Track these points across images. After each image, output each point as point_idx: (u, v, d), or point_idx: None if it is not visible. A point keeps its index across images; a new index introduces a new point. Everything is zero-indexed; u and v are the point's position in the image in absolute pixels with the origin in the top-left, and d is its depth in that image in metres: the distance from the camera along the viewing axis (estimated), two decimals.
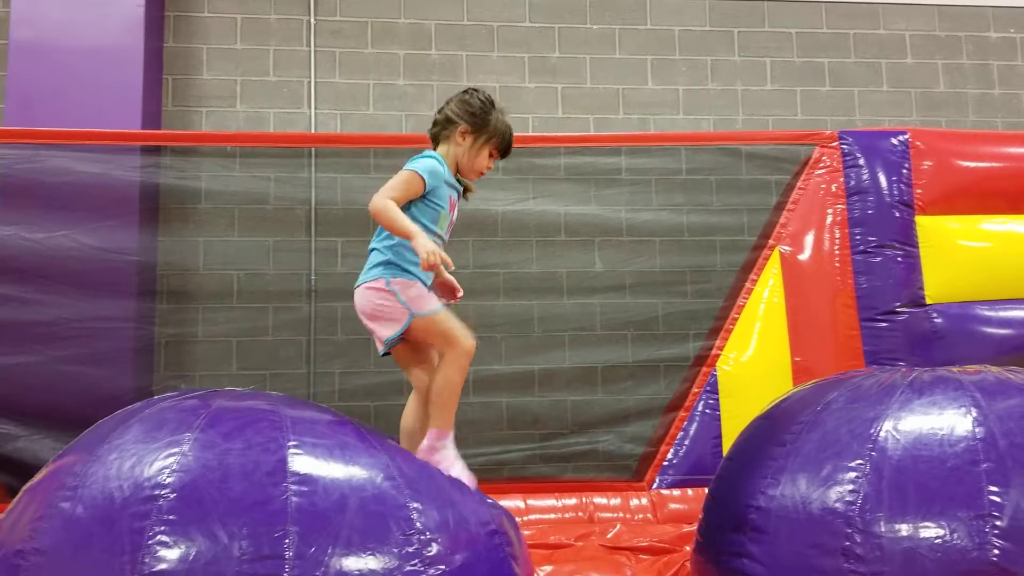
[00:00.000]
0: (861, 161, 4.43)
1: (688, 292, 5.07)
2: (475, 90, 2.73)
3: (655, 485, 4.21)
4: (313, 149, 4.90)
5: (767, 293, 4.39)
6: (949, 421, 2.12)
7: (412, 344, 2.64)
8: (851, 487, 2.07)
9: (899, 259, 4.34)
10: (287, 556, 1.72)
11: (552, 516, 4.06)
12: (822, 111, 5.53)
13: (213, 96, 5.08)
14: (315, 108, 5.15)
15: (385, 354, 2.65)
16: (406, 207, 2.58)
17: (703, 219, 5.09)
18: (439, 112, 2.74)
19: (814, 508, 2.11)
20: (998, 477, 1.98)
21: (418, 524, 1.87)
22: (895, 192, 4.39)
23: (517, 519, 3.99)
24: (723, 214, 5.09)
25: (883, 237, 4.35)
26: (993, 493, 1.97)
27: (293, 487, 1.82)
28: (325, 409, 2.30)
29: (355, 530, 1.79)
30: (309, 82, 5.14)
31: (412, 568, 1.80)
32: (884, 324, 4.30)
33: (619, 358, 4.95)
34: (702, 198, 5.11)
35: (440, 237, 2.70)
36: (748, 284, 4.42)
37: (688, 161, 5.08)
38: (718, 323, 4.47)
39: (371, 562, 1.77)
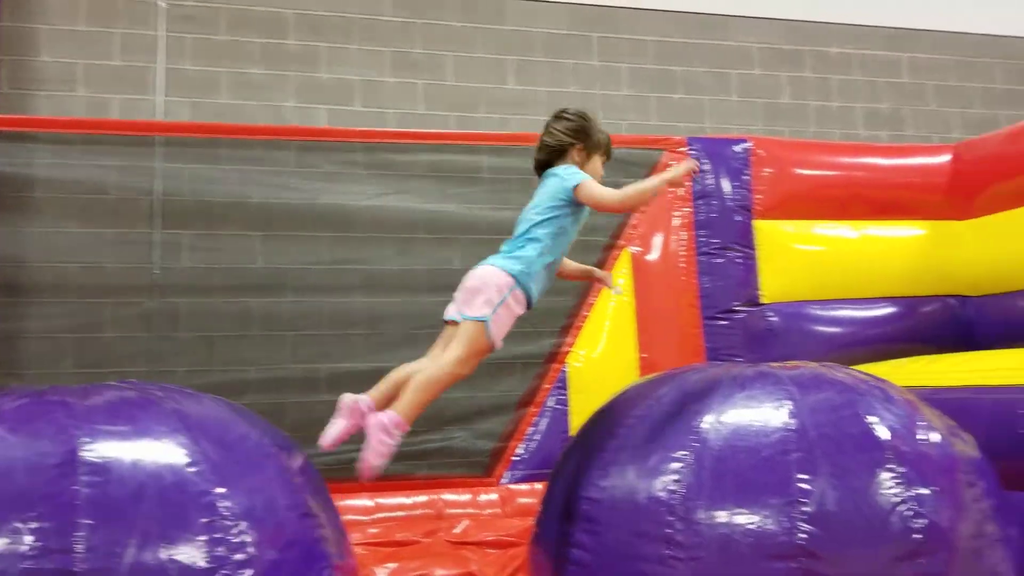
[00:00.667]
0: (707, 166, 4.61)
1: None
2: (567, 111, 2.86)
3: (504, 480, 4.26)
4: (161, 138, 4.70)
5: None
6: (766, 413, 2.23)
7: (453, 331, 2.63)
8: (674, 477, 2.15)
9: (739, 260, 4.55)
10: (78, 549, 1.68)
11: (401, 514, 4.05)
12: (675, 117, 5.73)
13: (52, 79, 4.82)
14: (164, 95, 4.96)
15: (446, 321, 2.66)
16: (558, 216, 2.67)
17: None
18: (546, 139, 2.83)
19: (640, 498, 2.18)
20: (807, 465, 2.10)
21: (222, 510, 1.84)
22: (736, 197, 4.60)
23: (366, 518, 3.99)
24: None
25: (725, 240, 4.55)
26: (802, 481, 2.08)
27: (84, 478, 1.77)
28: (151, 393, 2.19)
29: (153, 520, 1.75)
30: (157, 68, 4.95)
31: (217, 555, 1.78)
32: (724, 322, 4.50)
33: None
34: None
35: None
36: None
37: None
38: (569, 320, 4.56)
39: (171, 552, 1.74)
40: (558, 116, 2.85)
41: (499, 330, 2.55)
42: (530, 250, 2.66)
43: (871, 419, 2.21)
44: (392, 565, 3.44)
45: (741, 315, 4.51)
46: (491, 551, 3.66)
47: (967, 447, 2.34)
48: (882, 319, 4.76)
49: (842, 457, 2.11)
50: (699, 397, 2.37)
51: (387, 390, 2.73)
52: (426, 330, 4.91)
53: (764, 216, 4.61)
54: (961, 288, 4.81)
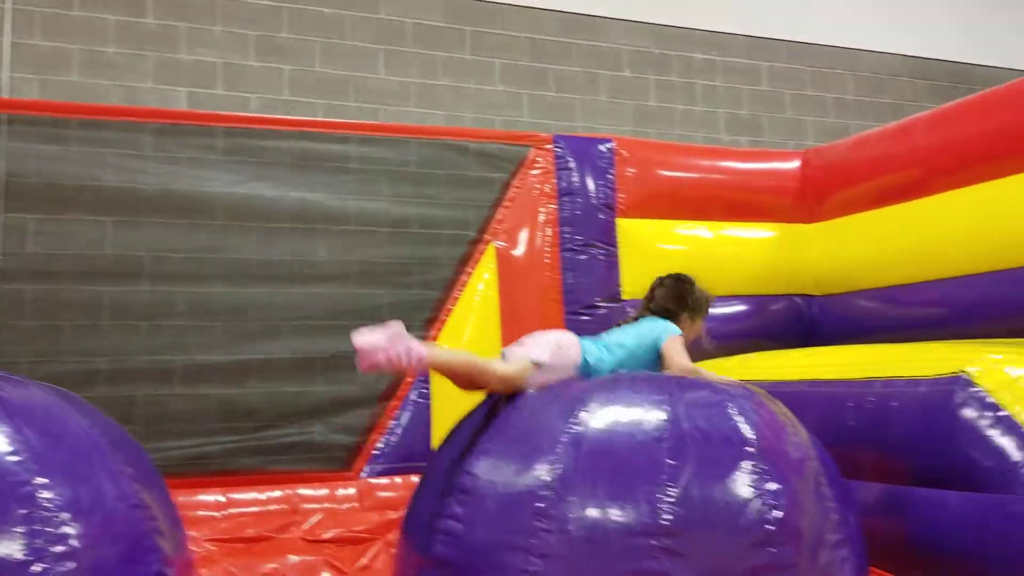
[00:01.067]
0: (572, 164, 4.70)
1: (413, 283, 5.11)
2: (683, 280, 3.10)
3: (364, 474, 4.22)
4: (4, 115, 4.43)
5: (482, 286, 4.55)
6: (644, 405, 2.34)
7: None
8: (549, 466, 2.23)
9: (601, 257, 4.66)
10: None
11: (255, 509, 3.96)
12: (546, 115, 5.81)
13: None
14: (10, 71, 4.68)
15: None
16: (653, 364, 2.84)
17: (430, 212, 5.13)
18: (656, 296, 3.06)
19: (515, 488, 2.24)
20: (677, 453, 2.21)
21: (43, 501, 1.77)
22: (600, 195, 4.70)
23: (217, 513, 3.89)
24: (450, 208, 5.15)
25: (588, 236, 4.65)
26: (671, 466, 2.19)
27: None
28: None
29: None
30: (3, 42, 4.66)
31: (35, 547, 1.73)
32: (586, 317, 4.60)
33: (341, 348, 4.89)
34: (430, 191, 5.14)
35: None
36: (464, 277, 4.55)
37: (417, 154, 5.11)
38: (434, 314, 4.56)
39: None
40: (676, 283, 3.10)
41: (535, 380, 2.60)
42: (608, 365, 2.82)
43: (738, 418, 2.33)
44: (243, 561, 3.37)
45: (603, 311, 4.62)
46: (346, 546, 3.62)
47: (817, 447, 2.50)
48: (734, 316, 4.97)
49: (710, 449, 2.23)
50: (580, 389, 2.46)
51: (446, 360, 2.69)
52: (290, 322, 4.89)
53: (627, 215, 4.74)
54: (807, 288, 5.08)
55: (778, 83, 6.56)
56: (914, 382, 3.12)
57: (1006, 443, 2.74)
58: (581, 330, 4.49)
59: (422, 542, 2.35)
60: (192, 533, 3.67)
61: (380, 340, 2.29)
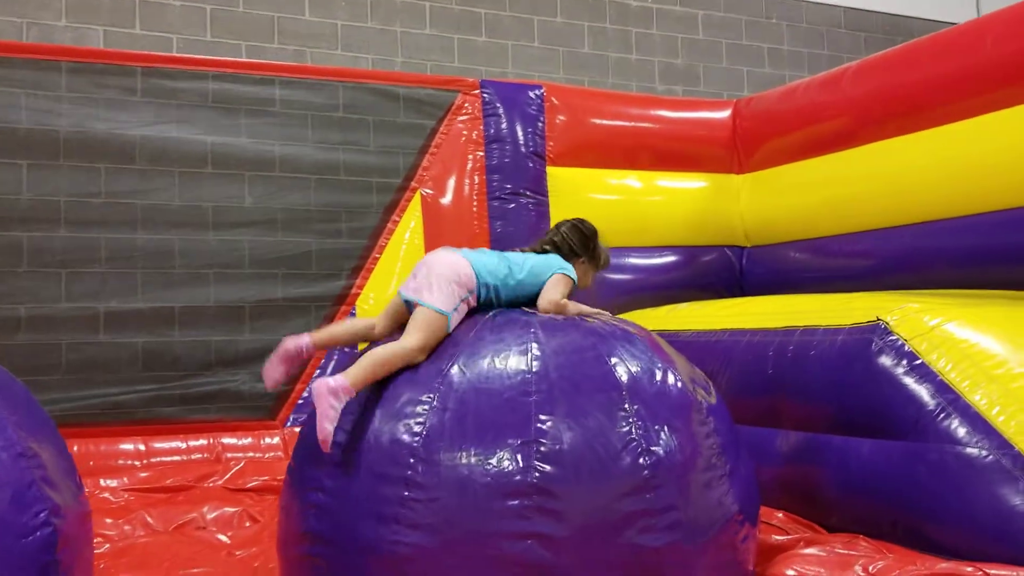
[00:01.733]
0: (500, 111, 4.63)
1: (342, 231, 5.01)
2: (583, 224, 2.93)
3: (288, 423, 4.18)
4: None
5: (408, 234, 4.49)
6: (511, 356, 2.24)
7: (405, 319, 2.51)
8: (418, 419, 2.14)
9: (531, 207, 4.62)
10: None
11: (177, 458, 3.91)
12: (478, 61, 5.71)
13: None
14: None
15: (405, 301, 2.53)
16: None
17: (359, 158, 5.01)
18: (555, 235, 2.86)
19: (384, 440, 2.15)
20: (546, 407, 2.13)
21: None
22: (530, 143, 4.65)
23: (137, 462, 3.82)
24: (379, 155, 5.04)
25: (517, 185, 4.61)
26: (540, 421, 2.11)
27: None
28: None
29: None
30: None
31: None
32: None
33: (268, 295, 4.81)
34: (358, 137, 5.03)
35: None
36: (391, 225, 4.48)
37: (345, 98, 4.98)
38: (360, 262, 4.49)
39: None
40: (573, 225, 2.91)
41: (454, 324, 2.49)
42: (512, 284, 2.64)
43: (612, 361, 2.26)
44: (161, 511, 3.31)
45: None
46: (268, 495, 3.59)
47: (702, 389, 2.47)
48: (664, 267, 5.00)
49: (579, 398, 2.16)
50: (452, 342, 2.36)
51: (333, 338, 2.70)
52: (215, 269, 4.78)
53: (557, 163, 4.70)
54: (738, 239, 5.11)
55: (714, 32, 6.53)
56: (833, 331, 3.15)
57: (921, 391, 2.78)
58: None
59: (299, 511, 2.27)
60: (111, 483, 3.62)
61: (324, 415, 2.25)
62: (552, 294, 2.61)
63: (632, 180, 4.89)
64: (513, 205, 4.59)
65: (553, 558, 2.02)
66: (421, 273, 2.52)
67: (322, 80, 4.82)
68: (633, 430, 2.15)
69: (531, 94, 4.71)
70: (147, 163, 4.62)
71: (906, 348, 2.87)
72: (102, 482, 3.61)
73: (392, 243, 4.46)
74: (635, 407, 2.18)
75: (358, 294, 4.38)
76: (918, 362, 2.83)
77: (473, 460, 2.08)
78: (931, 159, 4.06)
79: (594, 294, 4.61)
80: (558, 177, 4.70)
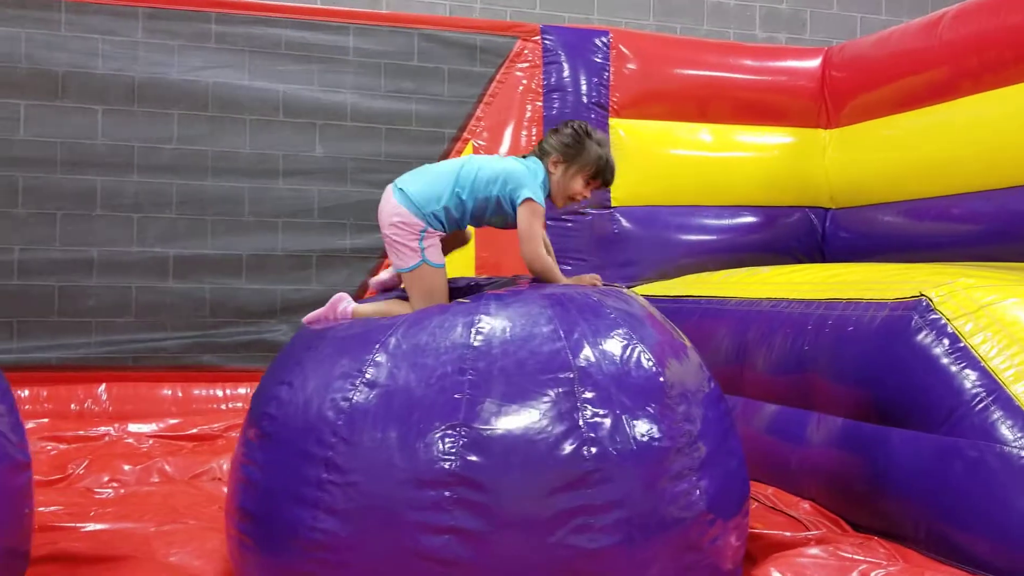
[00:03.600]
0: (562, 58, 4.40)
1: (386, 182, 4.93)
2: (570, 122, 2.61)
3: None
4: None
5: None
6: (455, 329, 2.05)
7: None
8: (346, 394, 1.98)
9: None
10: None
11: (214, 406, 4.02)
12: (561, 7, 5.44)
13: None
14: None
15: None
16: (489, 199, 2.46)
17: (408, 107, 4.88)
18: (540, 143, 2.61)
19: (311, 414, 2.00)
20: (481, 387, 1.93)
21: None
22: (593, 93, 4.41)
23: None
24: (428, 103, 4.84)
25: None
26: (472, 404, 1.91)
27: None
28: None
29: None
30: None
31: None
32: (570, 224, 4.38)
33: (335, 245, 4.83)
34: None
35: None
36: None
37: (394, 44, 4.84)
38: None
39: None
40: (559, 125, 2.63)
41: (438, 256, 2.43)
42: (451, 202, 2.45)
43: (571, 337, 2.02)
44: (179, 460, 3.37)
45: (589, 217, 4.39)
46: None
47: (685, 370, 2.21)
48: (740, 227, 4.67)
49: (521, 379, 1.94)
50: (391, 320, 2.17)
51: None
52: (283, 218, 4.83)
53: (621, 115, 4.44)
54: (821, 200, 4.71)
55: None
56: (876, 305, 2.82)
57: (958, 378, 2.44)
58: (568, 239, 4.31)
59: (234, 486, 2.16)
60: (140, 428, 3.73)
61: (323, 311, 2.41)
62: (530, 245, 2.41)
63: (704, 134, 4.56)
64: None
65: (472, 556, 1.82)
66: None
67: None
68: (579, 417, 1.91)
69: (597, 41, 4.45)
70: (219, 110, 4.69)
71: (948, 328, 2.52)
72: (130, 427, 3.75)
73: None
74: (584, 391, 1.94)
75: None
76: (960, 345, 2.48)
77: (394, 443, 1.89)
78: None
79: (649, 250, 4.36)
80: (621, 130, 4.44)
